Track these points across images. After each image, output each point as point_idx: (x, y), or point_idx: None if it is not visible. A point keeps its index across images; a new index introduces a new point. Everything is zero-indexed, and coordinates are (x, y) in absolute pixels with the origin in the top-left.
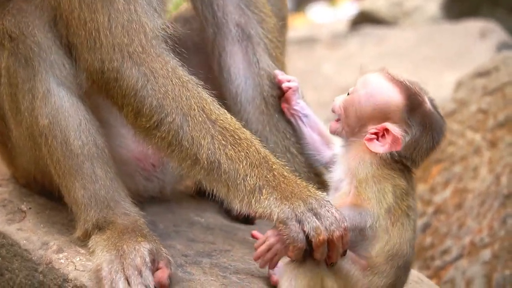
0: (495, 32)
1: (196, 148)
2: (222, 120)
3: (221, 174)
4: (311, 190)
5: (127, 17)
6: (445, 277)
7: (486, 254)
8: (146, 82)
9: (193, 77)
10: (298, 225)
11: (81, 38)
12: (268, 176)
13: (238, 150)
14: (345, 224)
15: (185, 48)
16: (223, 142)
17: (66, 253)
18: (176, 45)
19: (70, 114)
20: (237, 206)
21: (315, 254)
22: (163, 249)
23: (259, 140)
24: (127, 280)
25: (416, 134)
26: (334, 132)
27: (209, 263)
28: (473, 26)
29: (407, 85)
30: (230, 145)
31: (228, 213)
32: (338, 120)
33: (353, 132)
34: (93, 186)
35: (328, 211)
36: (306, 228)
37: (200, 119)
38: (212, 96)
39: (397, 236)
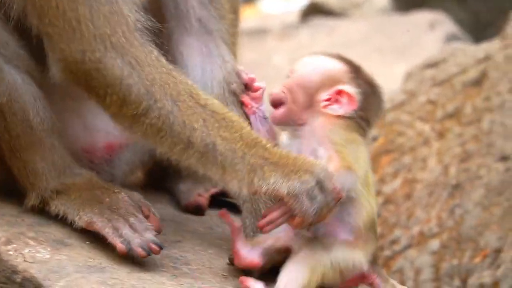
0: (444, 23)
1: (189, 131)
2: (210, 104)
3: (216, 156)
4: (310, 162)
5: (109, 9)
6: (394, 267)
7: (435, 244)
8: (131, 70)
9: (174, 65)
10: (308, 200)
11: (58, 29)
12: (266, 154)
13: (232, 132)
14: (341, 193)
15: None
16: (216, 124)
17: (15, 245)
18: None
19: (25, 91)
20: (236, 186)
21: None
22: (137, 195)
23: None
24: (131, 227)
25: (366, 92)
26: (280, 119)
27: (160, 254)
28: (422, 17)
29: (341, 56)
30: (224, 127)
31: (179, 204)
32: (279, 106)
33: (305, 108)
34: (51, 157)
35: (331, 182)
36: (315, 206)
37: (190, 103)
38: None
39: (374, 202)
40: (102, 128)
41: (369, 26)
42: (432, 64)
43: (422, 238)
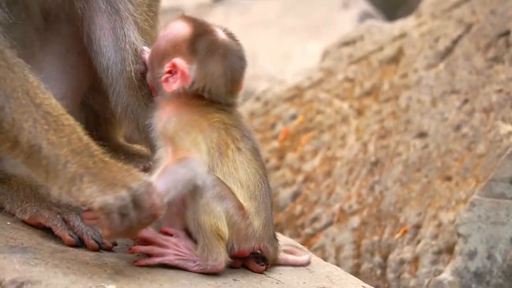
0: (357, 2)
1: (17, 130)
2: (46, 104)
3: (41, 159)
4: (133, 174)
5: None
6: (315, 244)
7: (355, 221)
8: None
9: (21, 60)
10: (119, 217)
11: None
12: (89, 163)
13: (61, 136)
14: (162, 211)
15: (57, 18)
16: (45, 126)
17: None
18: (49, 15)
19: None
20: (56, 193)
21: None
22: None
23: (82, 127)
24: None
25: (204, 63)
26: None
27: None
28: None
29: (197, 20)
30: (53, 130)
31: None
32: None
33: (156, 78)
34: None
35: (150, 198)
36: (125, 224)
37: (23, 102)
38: (39, 80)
39: (243, 173)
40: None
41: (283, 5)
42: (349, 42)
43: (343, 215)
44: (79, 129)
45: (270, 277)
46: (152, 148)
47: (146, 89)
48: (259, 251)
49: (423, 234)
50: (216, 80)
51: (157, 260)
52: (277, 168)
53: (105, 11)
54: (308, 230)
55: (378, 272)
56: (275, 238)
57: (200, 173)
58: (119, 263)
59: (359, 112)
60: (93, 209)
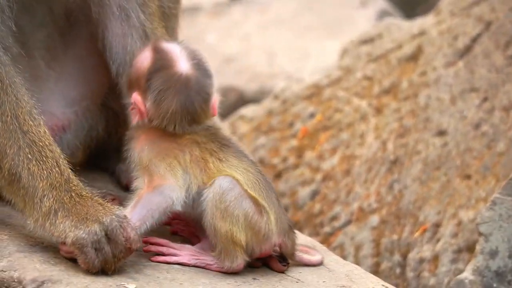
0: (376, 0)
1: (1, 156)
2: (33, 133)
3: (19, 189)
4: (108, 208)
5: None
6: (334, 243)
7: (374, 219)
8: None
9: (18, 79)
10: (93, 252)
11: None
12: (65, 198)
13: (42, 168)
14: (138, 244)
15: (78, 22)
16: (29, 156)
17: None
18: (71, 18)
19: None
20: (32, 225)
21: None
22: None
23: (67, 160)
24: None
25: (158, 101)
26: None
27: None
28: None
29: (162, 50)
30: (35, 161)
31: (119, 183)
32: None
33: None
34: None
35: (124, 232)
36: (100, 258)
37: (11, 127)
38: (33, 103)
39: (236, 176)
40: (45, 110)
41: (301, 4)
42: (368, 40)
43: (362, 214)
44: (61, 162)
45: (289, 276)
46: None
47: None
48: (278, 248)
49: (442, 233)
50: (172, 116)
51: (173, 259)
52: (295, 166)
53: (118, 17)
54: (327, 229)
55: (398, 270)
56: (291, 230)
57: (176, 198)
58: (139, 262)
59: (378, 111)
60: (67, 245)
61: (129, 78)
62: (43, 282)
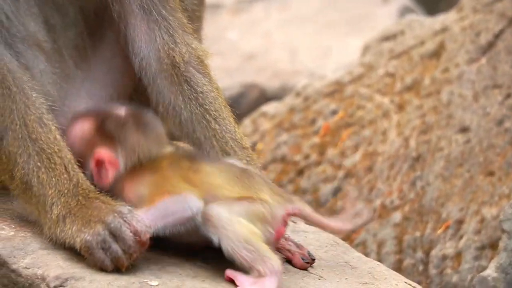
0: None
1: (12, 164)
2: (42, 140)
3: (32, 197)
4: (110, 206)
5: None
6: (356, 240)
7: (397, 216)
8: None
9: (28, 85)
10: (101, 252)
11: None
12: (72, 203)
13: (51, 176)
14: (148, 235)
15: (104, 20)
16: (38, 164)
17: None
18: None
19: None
20: (46, 233)
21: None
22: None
23: (78, 164)
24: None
25: (125, 140)
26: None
27: None
28: None
29: (90, 110)
30: (44, 168)
31: None
32: None
33: (89, 179)
34: None
35: (129, 226)
36: (111, 256)
37: (20, 135)
38: (45, 108)
39: (215, 179)
40: (74, 109)
41: (322, 1)
42: (390, 37)
43: (384, 211)
44: (70, 168)
45: (312, 273)
46: (195, 143)
47: (187, 85)
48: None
49: (465, 230)
50: (144, 145)
51: None
52: (317, 163)
53: (138, 14)
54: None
55: (420, 267)
56: (293, 196)
57: (197, 209)
58: (162, 259)
59: (400, 107)
60: (77, 250)
61: (77, 153)
62: (66, 279)
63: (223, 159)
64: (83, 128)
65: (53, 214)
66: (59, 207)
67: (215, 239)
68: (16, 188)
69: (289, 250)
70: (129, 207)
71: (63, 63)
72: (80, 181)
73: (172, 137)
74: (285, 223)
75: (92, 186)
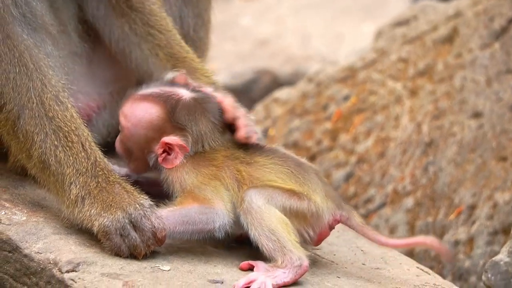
0: None
1: (29, 143)
2: (59, 118)
3: (50, 176)
4: (133, 197)
5: None
6: (369, 225)
7: (409, 202)
8: None
9: (44, 63)
10: (119, 237)
11: None
12: (91, 184)
13: (68, 155)
14: (164, 233)
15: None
16: (55, 142)
17: None
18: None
19: None
20: (65, 212)
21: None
22: None
23: (94, 142)
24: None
25: (193, 128)
26: (135, 171)
27: None
28: None
29: (157, 93)
30: (62, 147)
31: None
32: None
33: (145, 164)
34: None
35: (148, 221)
36: (128, 243)
37: (37, 113)
38: (61, 86)
39: (268, 172)
40: (82, 89)
41: None
42: (403, 22)
43: (396, 196)
44: (88, 145)
45: (324, 258)
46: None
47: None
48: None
49: (478, 215)
50: (210, 134)
51: (255, 286)
52: (330, 149)
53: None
54: (361, 211)
55: (433, 253)
56: (345, 203)
57: (219, 226)
58: (173, 244)
59: (413, 93)
60: (94, 233)
61: (140, 137)
62: (78, 264)
63: (280, 149)
64: (151, 112)
65: (71, 194)
66: (78, 187)
67: (244, 224)
68: (34, 167)
69: None
70: (151, 202)
71: (70, 45)
72: (98, 159)
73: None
74: (330, 228)
75: (110, 166)
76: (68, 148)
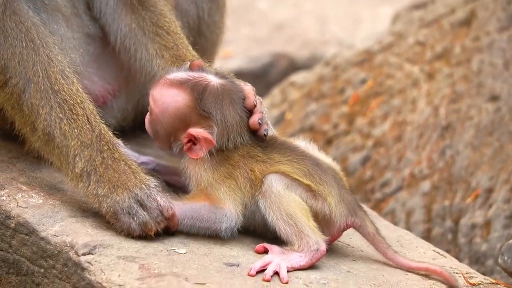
0: None
1: (34, 116)
2: (65, 91)
3: (54, 148)
4: (139, 177)
5: None
6: (385, 209)
7: (426, 185)
8: None
9: (51, 39)
10: (128, 217)
11: None
12: (97, 160)
13: (73, 127)
14: (171, 211)
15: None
16: (60, 115)
17: (7, 190)
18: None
19: None
20: (69, 184)
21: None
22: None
23: (100, 116)
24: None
25: (221, 120)
26: (161, 149)
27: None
28: None
29: (186, 79)
30: (67, 120)
31: None
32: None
33: (170, 147)
34: None
35: (154, 200)
36: (137, 221)
37: (42, 87)
38: (67, 61)
39: (285, 166)
40: (98, 74)
41: None
42: (420, 5)
43: (413, 180)
44: (93, 118)
45: (340, 241)
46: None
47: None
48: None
49: (495, 198)
50: (237, 127)
51: (270, 269)
52: (346, 133)
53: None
54: (378, 195)
55: (449, 236)
56: (360, 209)
57: (225, 228)
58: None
59: (430, 76)
60: (102, 213)
61: (168, 124)
62: (94, 247)
63: (299, 146)
64: (178, 100)
65: (76, 167)
66: (83, 161)
67: (262, 208)
68: (38, 140)
69: None
70: (156, 183)
71: (83, 27)
72: (103, 131)
73: None
74: (339, 233)
75: (114, 139)
76: (73, 121)
